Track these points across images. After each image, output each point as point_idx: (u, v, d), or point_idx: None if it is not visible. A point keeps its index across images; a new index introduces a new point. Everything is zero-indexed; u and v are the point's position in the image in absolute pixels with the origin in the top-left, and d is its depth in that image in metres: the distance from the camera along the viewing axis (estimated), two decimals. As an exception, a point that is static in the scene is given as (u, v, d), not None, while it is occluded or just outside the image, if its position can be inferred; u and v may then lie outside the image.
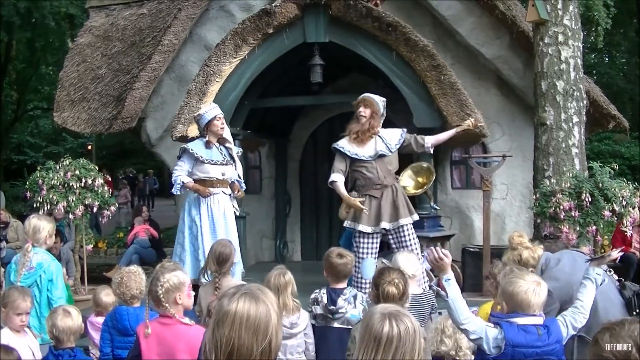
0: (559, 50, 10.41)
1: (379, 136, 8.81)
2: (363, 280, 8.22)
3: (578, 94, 10.46)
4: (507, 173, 12.50)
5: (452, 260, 10.04)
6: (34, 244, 6.88)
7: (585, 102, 10.73)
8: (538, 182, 10.35)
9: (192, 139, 10.39)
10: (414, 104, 10.49)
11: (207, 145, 9.10)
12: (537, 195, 9.63)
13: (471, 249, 10.93)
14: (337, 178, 8.85)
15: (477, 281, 10.05)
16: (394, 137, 8.91)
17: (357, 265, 8.33)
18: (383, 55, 10.65)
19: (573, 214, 8.99)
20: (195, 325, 4.86)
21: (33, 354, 5.62)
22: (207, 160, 9.03)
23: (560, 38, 10.42)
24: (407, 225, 8.64)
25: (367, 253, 8.61)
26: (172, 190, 9.30)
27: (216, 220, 9.03)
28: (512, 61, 12.27)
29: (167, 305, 4.70)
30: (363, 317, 3.31)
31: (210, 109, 9.28)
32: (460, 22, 12.38)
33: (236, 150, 9.53)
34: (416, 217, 8.86)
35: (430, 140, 9.16)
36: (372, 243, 8.68)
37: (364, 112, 8.76)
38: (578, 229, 9.02)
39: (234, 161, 9.38)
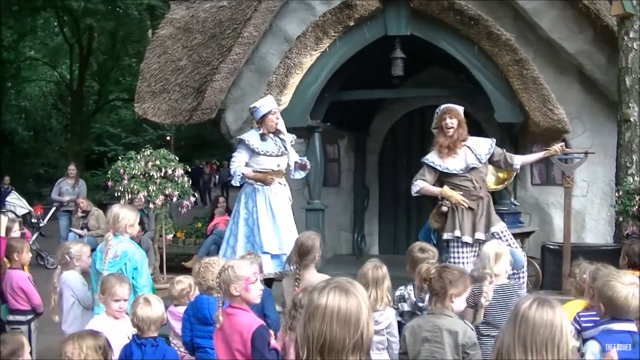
0: (645, 45, 10.23)
1: (468, 146, 8.70)
2: None
3: (663, 90, 10.28)
4: (588, 170, 12.30)
5: (532, 257, 9.99)
6: (114, 232, 7.00)
7: (670, 98, 10.53)
8: (621, 179, 10.17)
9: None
10: (495, 99, 10.39)
11: (262, 137, 9.13)
12: (620, 193, 9.48)
13: (551, 247, 10.79)
14: (423, 184, 8.75)
15: (557, 279, 9.92)
16: (483, 147, 8.75)
17: None
18: (465, 49, 10.57)
19: (657, 213, 8.85)
20: (253, 316, 4.96)
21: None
22: (262, 151, 9.04)
23: (646, 33, 10.24)
24: (502, 229, 8.57)
25: (465, 263, 8.49)
26: (232, 182, 9.33)
27: (275, 211, 9.01)
28: (595, 56, 12.06)
29: (223, 294, 4.91)
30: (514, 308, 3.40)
31: (266, 103, 9.25)
32: (541, 15, 12.20)
33: (290, 139, 9.47)
34: (504, 224, 8.75)
35: (519, 162, 8.99)
36: (471, 253, 8.56)
37: (451, 123, 8.59)
38: (662, 227, 8.88)
39: (288, 151, 9.32)
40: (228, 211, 14.70)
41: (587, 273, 5.90)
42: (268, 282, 8.57)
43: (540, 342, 3.17)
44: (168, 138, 35.44)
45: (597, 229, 12.44)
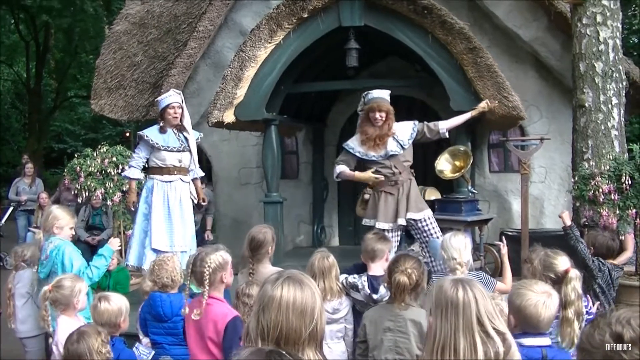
0: (598, 31, 10.25)
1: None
2: None
3: (617, 75, 10.31)
4: (546, 156, 12.40)
5: (490, 244, 10.05)
6: (44, 230, 7.01)
7: (625, 83, 10.56)
8: (577, 165, 10.21)
9: (228, 124, 10.55)
10: (450, 88, 10.37)
11: (162, 130, 9.12)
12: (576, 179, 9.51)
13: (509, 233, 10.86)
14: (342, 168, 8.86)
15: (516, 265, 9.89)
16: (406, 132, 8.85)
17: None
18: (419, 39, 10.54)
19: (613, 197, 8.86)
20: (228, 307, 5.05)
21: None
22: (162, 146, 9.05)
23: (599, 18, 10.26)
24: (425, 217, 8.64)
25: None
26: (122, 174, 9.88)
27: (172, 207, 9.07)
28: (549, 43, 12.15)
29: (209, 284, 4.92)
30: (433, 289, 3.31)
31: (168, 96, 9.26)
32: (496, 4, 12.26)
33: (196, 136, 9.49)
34: (429, 212, 8.83)
35: (444, 125, 9.12)
36: (396, 237, 8.66)
37: (380, 116, 8.67)
38: (618, 212, 8.90)
39: (191, 148, 9.29)
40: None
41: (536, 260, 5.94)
42: None
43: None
44: (127, 134, 35.26)
45: (555, 215, 12.46)
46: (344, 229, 15.02)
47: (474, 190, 10.90)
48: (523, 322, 4.09)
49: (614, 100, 10.23)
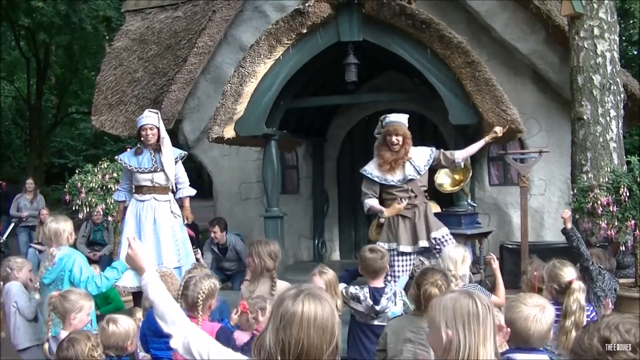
0: (595, 44, 10.32)
1: (409, 158, 8.80)
2: None
3: (615, 87, 10.36)
4: (545, 169, 12.42)
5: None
6: (57, 245, 7.02)
7: (622, 95, 10.61)
8: (576, 177, 10.26)
9: (228, 140, 10.61)
10: (449, 101, 10.39)
11: (137, 152, 9.20)
12: (575, 191, 9.54)
13: (509, 246, 10.88)
14: (373, 202, 8.88)
15: (516, 278, 9.97)
16: (423, 158, 8.86)
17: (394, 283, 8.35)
18: (417, 53, 10.56)
19: (611, 209, 8.89)
20: (216, 325, 5.24)
21: None
22: (135, 168, 9.13)
23: (596, 31, 10.33)
24: (443, 235, 8.66)
25: (404, 271, 8.61)
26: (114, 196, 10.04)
27: (143, 226, 9.08)
28: (547, 56, 12.20)
29: (202, 309, 5.08)
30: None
31: (144, 117, 9.27)
32: (494, 17, 12.33)
33: (175, 155, 9.46)
34: (447, 229, 8.85)
35: (460, 155, 9.10)
36: (409, 261, 8.69)
37: (397, 139, 8.68)
38: (617, 224, 8.92)
39: (164, 167, 9.21)
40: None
41: (538, 270, 5.96)
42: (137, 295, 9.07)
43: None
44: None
45: (555, 227, 12.51)
46: (345, 243, 15.01)
47: (473, 204, 10.93)
48: (514, 336, 3.93)
49: (612, 113, 10.28)
